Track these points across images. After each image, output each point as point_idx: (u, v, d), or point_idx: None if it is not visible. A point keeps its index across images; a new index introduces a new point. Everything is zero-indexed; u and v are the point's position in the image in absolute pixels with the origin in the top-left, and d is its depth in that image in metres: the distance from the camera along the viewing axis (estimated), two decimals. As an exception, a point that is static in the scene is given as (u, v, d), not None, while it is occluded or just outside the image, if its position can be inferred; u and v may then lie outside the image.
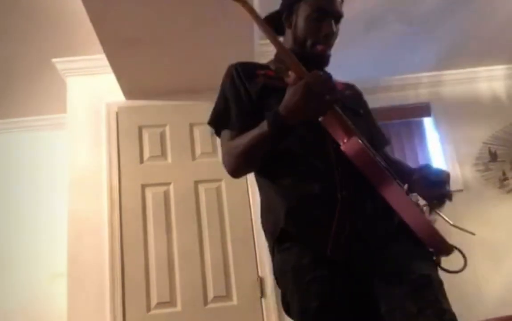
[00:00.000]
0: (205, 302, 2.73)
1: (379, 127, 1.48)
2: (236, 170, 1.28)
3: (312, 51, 1.31)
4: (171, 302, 2.71)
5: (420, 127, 3.76)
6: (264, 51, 3.18)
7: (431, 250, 1.13)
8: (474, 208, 3.31)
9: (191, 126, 3.06)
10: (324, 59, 1.33)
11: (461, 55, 3.51)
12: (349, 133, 1.15)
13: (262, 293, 2.76)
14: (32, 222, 3.38)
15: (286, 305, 1.21)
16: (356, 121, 1.23)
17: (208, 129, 1.42)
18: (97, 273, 2.73)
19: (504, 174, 3.51)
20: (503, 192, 3.50)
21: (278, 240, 1.23)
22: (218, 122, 1.37)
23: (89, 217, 2.84)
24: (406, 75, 3.66)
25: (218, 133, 1.37)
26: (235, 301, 2.74)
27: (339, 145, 1.15)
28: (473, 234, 1.19)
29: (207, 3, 2.35)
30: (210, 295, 2.74)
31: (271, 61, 1.43)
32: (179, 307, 2.70)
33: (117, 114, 3.03)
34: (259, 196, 1.37)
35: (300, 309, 1.13)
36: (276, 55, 1.42)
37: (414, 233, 1.09)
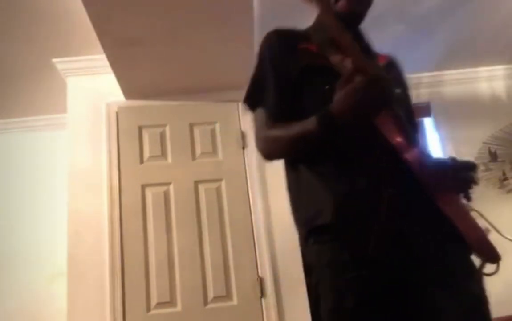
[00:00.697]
0: (205, 302, 2.73)
1: (412, 111, 1.36)
2: (273, 158, 1.23)
3: (335, 9, 1.19)
4: (171, 302, 2.71)
5: (420, 127, 3.76)
6: (264, 51, 3.18)
7: (479, 257, 1.08)
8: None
9: (191, 126, 3.06)
10: (350, 17, 1.21)
11: (461, 55, 3.51)
12: (402, 135, 1.07)
13: (262, 293, 2.76)
14: (32, 222, 3.39)
15: (316, 299, 1.13)
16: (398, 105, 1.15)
17: (244, 108, 1.34)
18: (97, 273, 2.73)
19: (504, 174, 3.51)
20: (503, 192, 3.50)
21: (315, 230, 1.13)
22: (253, 100, 1.27)
23: (89, 217, 2.84)
24: (406, 75, 3.66)
25: (252, 109, 1.28)
26: (235, 301, 2.74)
27: (387, 142, 1.08)
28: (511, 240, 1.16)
29: (207, 3, 2.35)
30: (210, 295, 2.74)
31: (311, 28, 1.28)
32: (179, 307, 2.70)
33: (117, 114, 3.03)
34: (287, 176, 1.27)
35: (334, 308, 1.07)
36: (317, 21, 1.27)
37: (464, 240, 1.05)
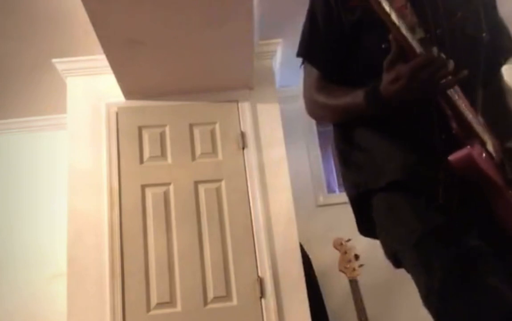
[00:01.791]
0: (205, 302, 2.73)
1: (504, 33, 1.21)
2: (318, 121, 1.23)
3: None
4: (171, 302, 2.71)
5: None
6: (264, 51, 3.19)
7: None
8: (474, 208, 3.31)
9: (191, 126, 3.05)
10: None
11: (461, 55, 3.51)
12: (460, 124, 0.99)
13: (262, 293, 2.76)
14: (32, 222, 3.39)
15: (396, 238, 1.05)
16: (473, 54, 1.05)
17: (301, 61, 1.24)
18: (97, 273, 2.73)
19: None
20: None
21: (380, 190, 1.07)
22: (305, 53, 1.22)
23: (89, 217, 2.84)
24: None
25: (303, 62, 1.23)
26: (235, 301, 2.74)
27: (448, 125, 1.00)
28: None
29: (207, 4, 2.35)
30: (210, 295, 2.74)
31: None
32: (179, 307, 2.70)
33: (117, 114, 3.03)
34: (337, 129, 1.21)
35: (413, 229, 0.99)
36: None
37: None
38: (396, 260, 1.05)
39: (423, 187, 1.02)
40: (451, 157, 0.98)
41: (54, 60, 3.03)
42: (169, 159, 2.99)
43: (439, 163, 1.00)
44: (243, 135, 3.05)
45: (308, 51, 1.21)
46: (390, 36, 0.94)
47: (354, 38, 1.11)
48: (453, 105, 0.98)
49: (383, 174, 1.07)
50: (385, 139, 1.09)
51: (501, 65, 1.23)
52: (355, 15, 1.10)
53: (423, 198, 1.01)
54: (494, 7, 1.21)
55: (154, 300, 2.70)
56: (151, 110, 3.07)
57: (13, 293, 3.22)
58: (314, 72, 1.18)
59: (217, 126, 3.07)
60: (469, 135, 1.00)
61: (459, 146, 0.98)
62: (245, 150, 3.03)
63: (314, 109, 1.20)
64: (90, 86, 3.12)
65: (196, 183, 2.94)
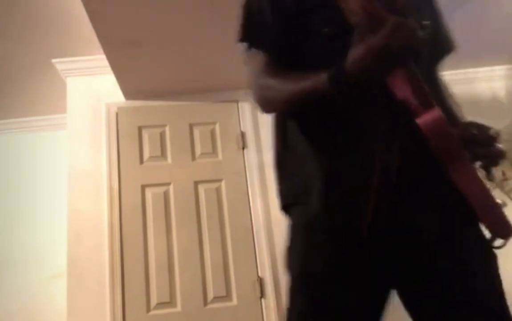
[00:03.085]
0: (205, 302, 2.73)
1: (444, 31, 1.20)
2: (271, 112, 1.09)
3: None
4: (171, 302, 2.71)
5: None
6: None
7: (491, 232, 0.96)
8: (474, 208, 3.31)
9: (191, 126, 3.06)
10: None
11: (461, 55, 3.50)
12: (420, 98, 0.92)
13: (262, 293, 2.76)
14: (32, 222, 3.39)
15: (289, 261, 1.02)
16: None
17: (240, 50, 1.12)
18: (97, 273, 2.73)
19: (504, 174, 3.51)
20: (503, 192, 3.50)
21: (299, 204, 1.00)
22: (251, 36, 1.08)
23: (89, 217, 2.84)
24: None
25: (249, 47, 1.09)
26: (235, 301, 2.74)
27: (396, 102, 0.93)
28: None
29: (207, 4, 2.35)
30: (210, 295, 2.74)
31: None
32: (179, 307, 2.70)
33: (117, 114, 3.03)
34: (275, 128, 1.14)
35: (301, 272, 0.96)
36: None
37: (476, 215, 0.93)
38: (289, 267, 1.02)
39: (343, 222, 0.94)
40: (421, 121, 0.91)
41: (54, 60, 3.03)
42: (169, 159, 2.99)
43: (373, 168, 0.92)
44: (243, 135, 3.05)
45: (254, 33, 1.07)
46: (357, 7, 0.88)
47: (298, 21, 1.01)
48: (415, 76, 0.92)
49: (307, 195, 0.99)
50: (315, 149, 0.99)
51: (440, 60, 1.20)
52: None
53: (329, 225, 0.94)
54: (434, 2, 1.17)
55: (154, 300, 2.70)
56: (151, 110, 3.07)
57: (13, 293, 3.22)
58: (263, 57, 1.04)
59: (217, 126, 3.08)
60: (429, 109, 0.93)
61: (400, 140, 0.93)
62: (245, 150, 3.03)
63: (267, 96, 1.04)
64: (90, 86, 3.12)
65: (196, 183, 2.94)
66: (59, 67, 3.08)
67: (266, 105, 1.07)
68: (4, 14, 2.60)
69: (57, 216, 3.15)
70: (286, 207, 1.07)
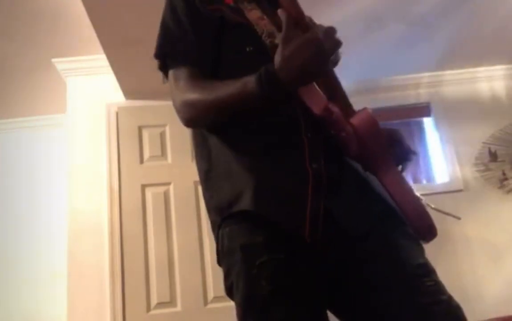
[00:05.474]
0: (205, 302, 2.73)
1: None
2: (197, 123, 1.04)
3: None
4: (171, 302, 2.71)
5: (420, 127, 3.76)
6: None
7: (415, 232, 0.98)
8: (474, 208, 3.31)
9: (191, 126, 3.05)
10: None
11: (461, 55, 3.51)
12: (335, 99, 0.95)
13: (262, 293, 2.76)
14: (32, 222, 3.38)
15: (230, 287, 0.97)
16: None
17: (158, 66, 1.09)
18: (97, 273, 2.73)
19: (504, 174, 3.51)
20: (503, 192, 3.50)
21: (231, 217, 0.96)
22: (168, 55, 1.05)
23: (89, 217, 2.84)
24: (406, 75, 3.66)
25: (167, 68, 1.05)
26: (235, 301, 2.74)
27: (308, 109, 0.93)
28: (458, 218, 1.11)
29: (207, 3, 2.35)
30: (210, 295, 2.74)
31: None
32: (179, 307, 2.70)
33: (117, 114, 3.03)
34: (197, 148, 1.08)
35: (246, 295, 0.92)
36: None
37: (402, 215, 0.96)
38: (230, 292, 0.98)
39: (285, 222, 0.93)
40: (355, 120, 0.93)
41: (54, 60, 3.03)
42: (169, 159, 2.99)
43: (306, 175, 0.92)
44: (243, 135, 3.05)
45: (174, 50, 1.04)
46: (279, 11, 0.88)
47: (217, 36, 1.01)
48: (336, 80, 0.95)
49: (238, 200, 0.95)
50: (243, 157, 0.97)
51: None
52: (216, 13, 1.02)
53: (262, 236, 0.92)
54: None
55: (154, 300, 2.70)
56: (151, 110, 3.07)
57: (13, 293, 3.22)
58: (184, 71, 1.02)
59: (217, 126, 3.08)
60: (352, 112, 0.96)
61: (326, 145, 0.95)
62: (245, 150, 3.03)
63: (191, 108, 1.00)
64: (90, 86, 3.12)
65: (196, 183, 2.94)
66: (59, 67, 3.08)
67: (191, 119, 1.03)
68: (4, 14, 2.60)
69: (57, 215, 3.16)
70: (218, 225, 1.00)
